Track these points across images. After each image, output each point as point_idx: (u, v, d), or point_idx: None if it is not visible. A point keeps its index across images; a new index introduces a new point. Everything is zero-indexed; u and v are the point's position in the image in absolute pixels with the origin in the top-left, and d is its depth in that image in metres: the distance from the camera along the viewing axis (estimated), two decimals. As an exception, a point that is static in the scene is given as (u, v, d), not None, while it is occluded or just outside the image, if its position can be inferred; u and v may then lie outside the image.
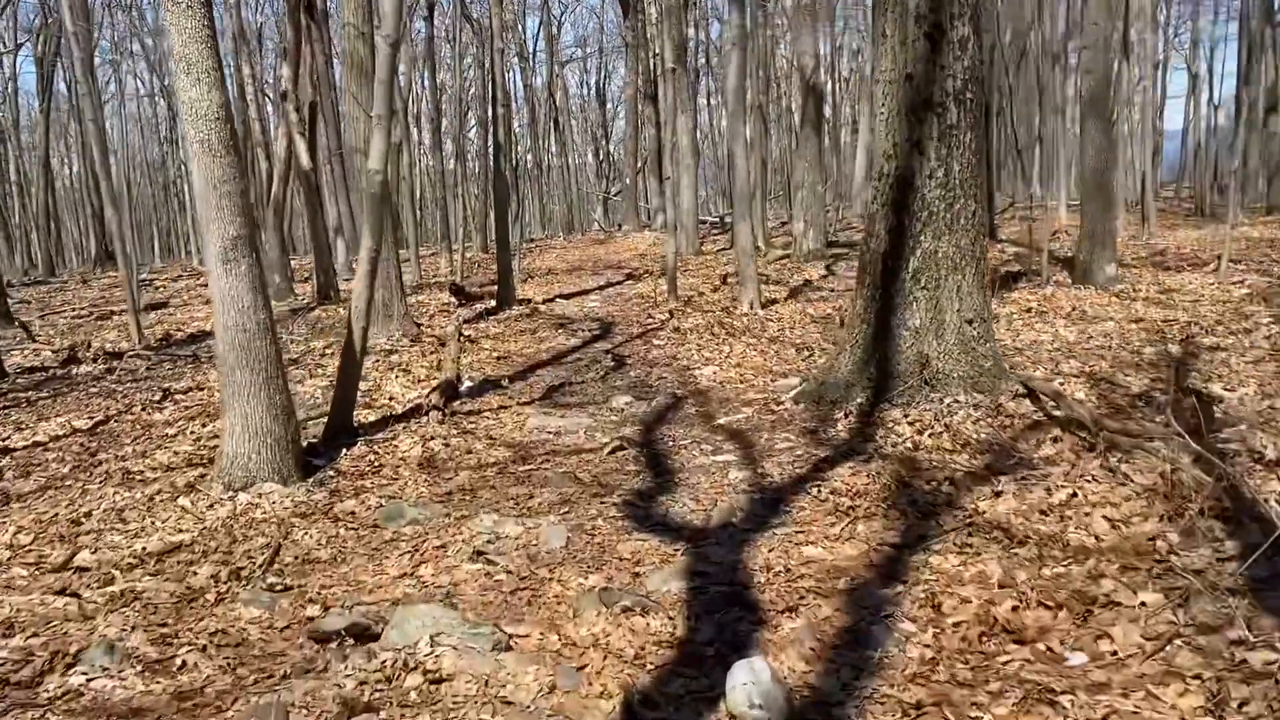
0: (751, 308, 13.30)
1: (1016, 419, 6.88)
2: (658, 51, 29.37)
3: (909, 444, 6.60)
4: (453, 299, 16.42)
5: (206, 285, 7.12)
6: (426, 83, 22.33)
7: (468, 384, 10.40)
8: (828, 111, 41.07)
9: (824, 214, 19.34)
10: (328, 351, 12.71)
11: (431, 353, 12.19)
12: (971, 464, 6.13)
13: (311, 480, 7.05)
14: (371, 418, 8.86)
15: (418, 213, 33.25)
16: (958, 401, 7.15)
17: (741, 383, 9.42)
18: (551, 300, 17.02)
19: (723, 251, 23.55)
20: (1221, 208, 25.91)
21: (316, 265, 17.82)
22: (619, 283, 19.31)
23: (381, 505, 6.45)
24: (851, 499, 5.78)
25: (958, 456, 6.28)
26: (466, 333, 13.62)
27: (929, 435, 6.65)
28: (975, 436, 6.59)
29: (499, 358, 11.83)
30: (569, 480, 6.80)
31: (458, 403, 9.37)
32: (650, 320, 13.91)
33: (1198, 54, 30.37)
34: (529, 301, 16.42)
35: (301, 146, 17.34)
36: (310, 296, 18.31)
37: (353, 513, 6.39)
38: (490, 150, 16.47)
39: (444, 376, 10.18)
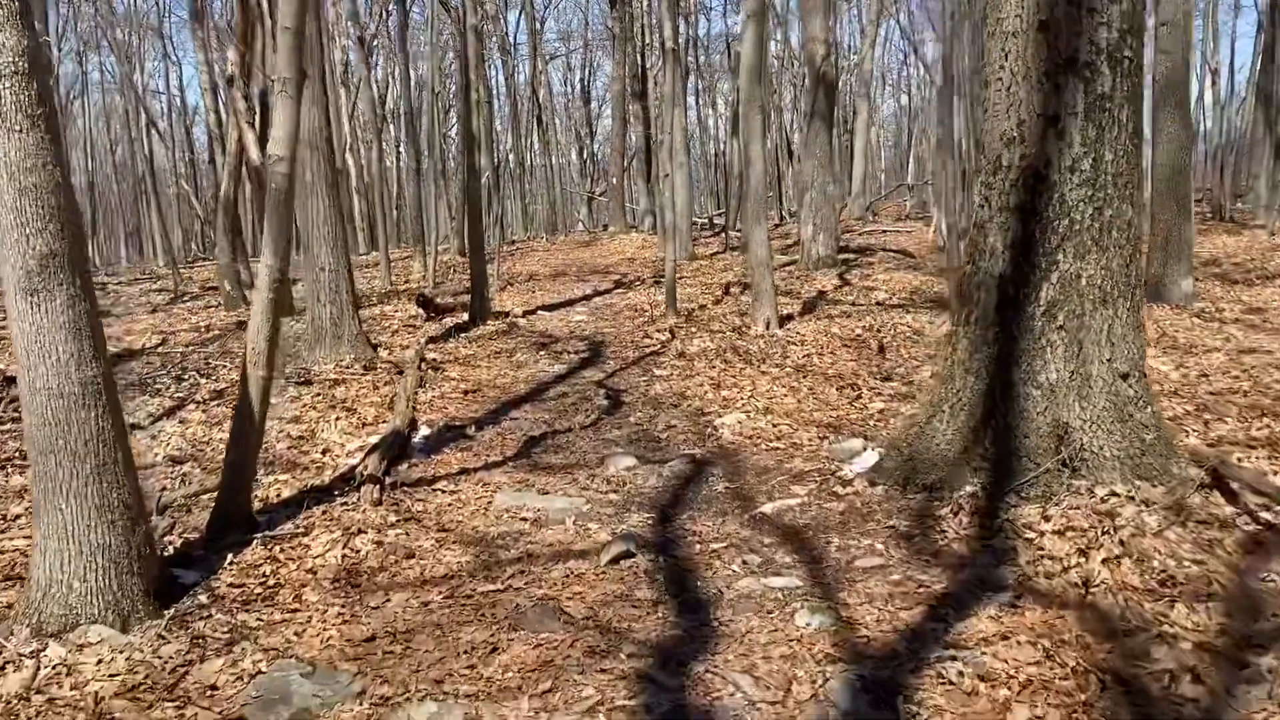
0: (768, 328, 10.88)
1: (1215, 527, 4.48)
2: (647, 41, 26.94)
3: (1074, 575, 4.16)
4: (420, 312, 13.95)
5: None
6: (399, 72, 19.88)
7: (424, 431, 7.93)
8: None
9: (836, 217, 16.96)
10: (275, 382, 10.18)
11: (386, 383, 9.71)
12: (1197, 625, 3.71)
13: (171, 615, 4.55)
14: (286, 491, 6.37)
15: (394, 212, 30.69)
16: (1116, 494, 4.74)
17: (778, 439, 6.99)
18: (533, 312, 14.54)
19: (717, 256, 21.14)
20: (1241, 212, 23.69)
21: (268, 271, 15.31)
22: (607, 291, 16.85)
23: (260, 674, 3.99)
24: (1018, 693, 3.36)
25: (1165, 607, 3.85)
26: (431, 355, 11.14)
27: (1100, 558, 4.22)
28: (1173, 563, 4.17)
29: (467, 391, 9.35)
30: (551, 617, 4.34)
31: (406, 465, 6.90)
32: (648, 341, 11.45)
33: (1215, 48, 28.11)
34: (507, 314, 13.94)
35: (250, 139, 14.79)
36: (262, 306, 15.81)
37: (213, 687, 3.92)
38: (462, 143, 13.96)
39: (393, 423, 7.71)
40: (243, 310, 16.42)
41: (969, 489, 5.06)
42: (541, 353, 11.36)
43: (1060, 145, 4.97)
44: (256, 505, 6.01)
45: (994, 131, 5.22)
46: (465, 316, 13.57)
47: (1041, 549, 4.43)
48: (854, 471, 5.81)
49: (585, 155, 39.72)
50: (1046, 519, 4.65)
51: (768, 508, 5.50)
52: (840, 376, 9.03)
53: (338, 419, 8.46)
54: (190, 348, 12.96)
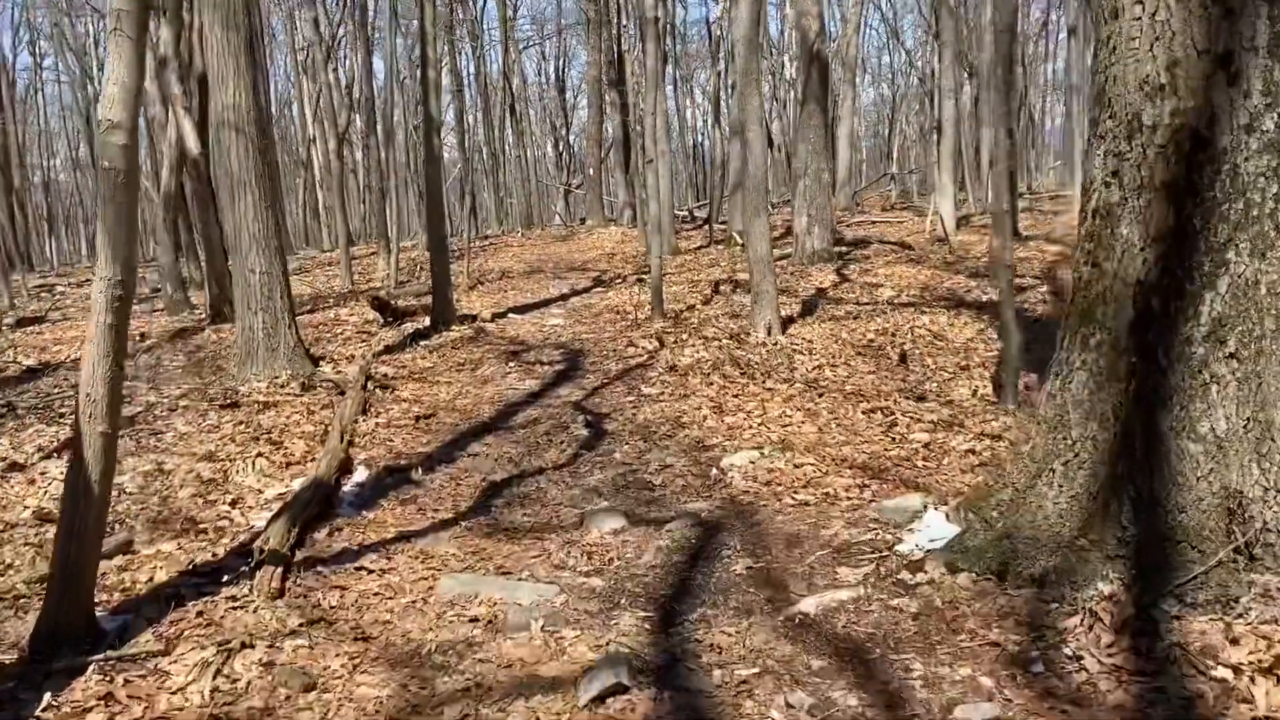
0: (770, 334, 9.29)
1: None
2: (624, 24, 25.30)
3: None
4: (376, 316, 12.28)
5: None
6: (360, 58, 18.16)
7: (360, 475, 6.30)
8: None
9: (830, 207, 15.39)
10: (181, 405, 8.51)
11: (325, 406, 8.06)
12: None
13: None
14: (163, 573, 4.71)
15: (361, 206, 28.88)
16: (1327, 600, 3.19)
17: (805, 487, 5.39)
18: (503, 315, 12.89)
19: (702, 250, 19.54)
20: None
21: (208, 273, 13.52)
22: (586, 290, 15.21)
23: None
24: None
25: None
26: (382, 370, 9.48)
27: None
28: None
29: (419, 417, 7.70)
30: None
31: (328, 529, 5.26)
32: (633, 350, 9.83)
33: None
34: (474, 318, 12.28)
35: (187, 126, 13.04)
36: (204, 311, 14.04)
37: None
38: (422, 127, 12.26)
39: (320, 467, 6.06)
40: (185, 315, 14.71)
41: (1103, 587, 3.48)
42: (511, 364, 9.73)
43: (1231, 95, 3.39)
44: (115, 599, 4.38)
45: (1127, 78, 3.62)
46: (427, 321, 11.91)
47: (1246, 699, 2.87)
48: (920, 547, 4.22)
49: (561, 147, 37.99)
50: (1234, 641, 3.08)
51: (809, 604, 3.90)
52: (862, 395, 7.46)
53: (259, 456, 6.82)
54: (117, 360, 11.22)
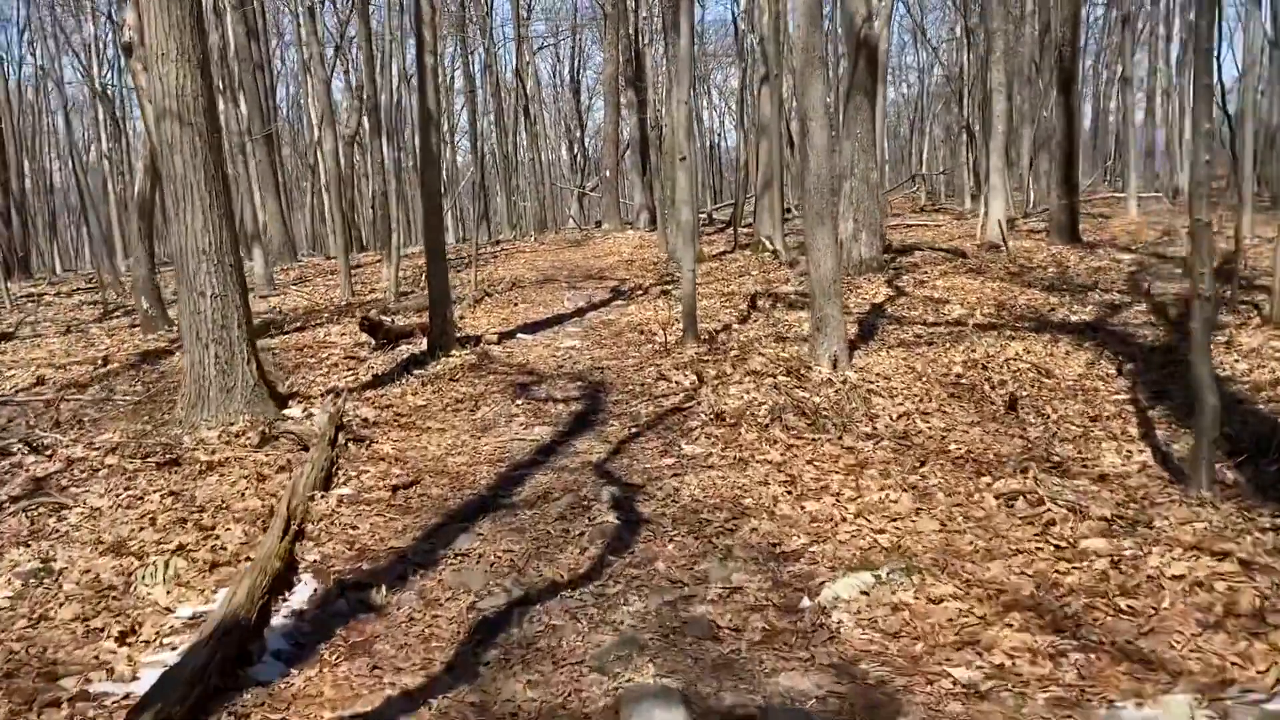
0: (836, 368, 7.32)
1: None
2: (645, 16, 23.35)
3: None
4: (367, 339, 10.37)
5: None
6: (364, 51, 16.23)
7: (302, 593, 4.36)
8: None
9: (880, 211, 13.39)
10: (108, 464, 6.58)
11: (281, 468, 6.14)
12: None
13: None
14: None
15: (369, 212, 26.96)
16: None
17: (961, 648, 3.38)
18: (511, 334, 10.94)
19: (727, 256, 17.53)
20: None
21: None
22: (604, 303, 13.27)
23: None
24: None
25: None
26: (364, 412, 7.54)
27: None
28: None
29: (398, 487, 5.74)
30: None
31: (226, 715, 3.32)
32: (665, 385, 7.86)
33: None
34: (478, 340, 10.34)
35: (153, 117, 11.11)
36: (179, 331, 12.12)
37: None
38: (418, 122, 10.30)
39: (239, 592, 4.11)
40: (163, 333, 12.81)
41: None
42: (518, 403, 7.78)
43: None
44: None
45: None
46: (425, 342, 9.97)
47: None
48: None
49: (575, 150, 36.00)
50: None
51: None
52: (978, 461, 5.48)
53: (181, 551, 4.90)
54: (68, 391, 9.36)
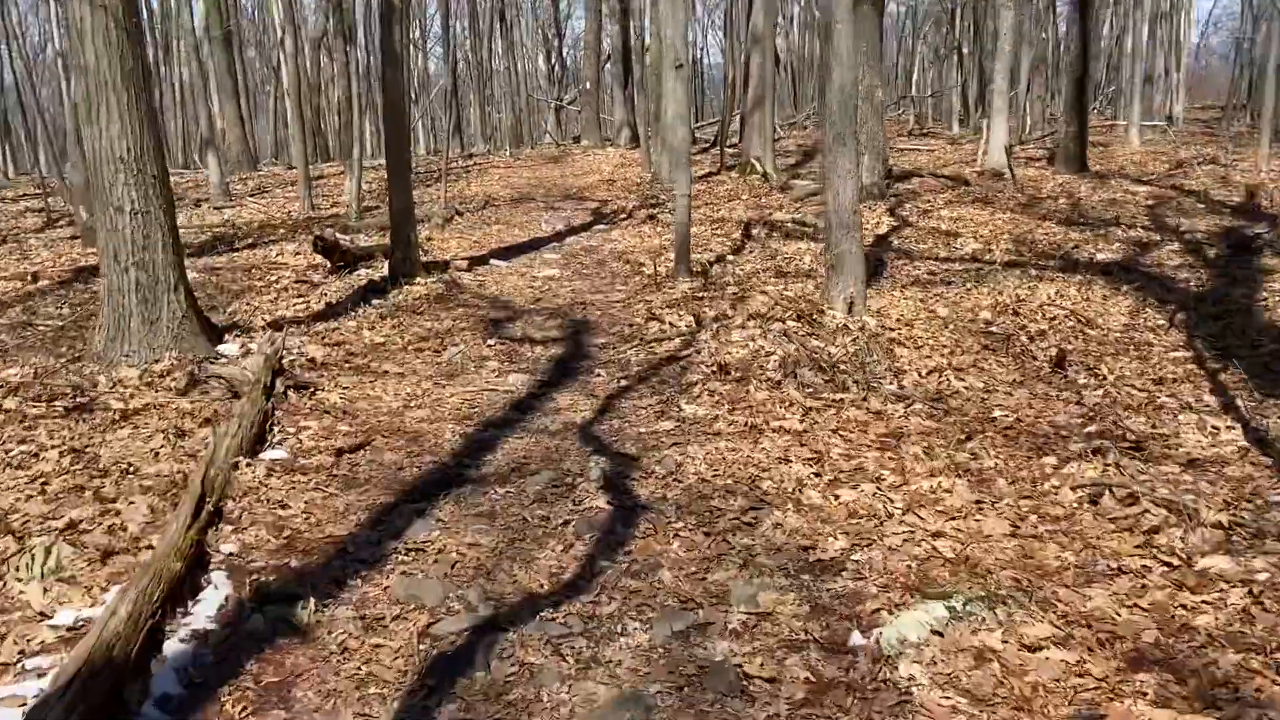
0: (853, 312, 6.33)
1: None
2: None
3: None
4: (322, 262, 9.23)
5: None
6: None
7: (209, 603, 3.35)
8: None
9: (884, 133, 12.25)
10: (5, 406, 5.50)
11: (206, 421, 5.10)
12: None
13: None
14: None
15: (335, 119, 25.35)
16: None
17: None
18: (483, 260, 9.84)
19: (714, 178, 16.35)
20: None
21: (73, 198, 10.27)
22: (586, 226, 12.15)
23: None
24: None
25: None
26: (311, 350, 6.48)
27: None
28: None
29: (343, 451, 4.72)
30: None
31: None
32: (657, 328, 6.83)
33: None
34: (445, 266, 9.22)
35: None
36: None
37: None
38: (379, 16, 8.98)
39: (115, 617, 3.10)
40: (101, 247, 11.52)
41: None
42: (491, 344, 6.74)
43: None
44: None
45: None
46: (386, 267, 8.86)
47: None
48: None
49: (554, 60, 34.21)
50: None
51: None
52: (1034, 435, 4.55)
53: (70, 531, 3.90)
54: (-19, 313, 8.23)
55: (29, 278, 9.75)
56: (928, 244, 9.34)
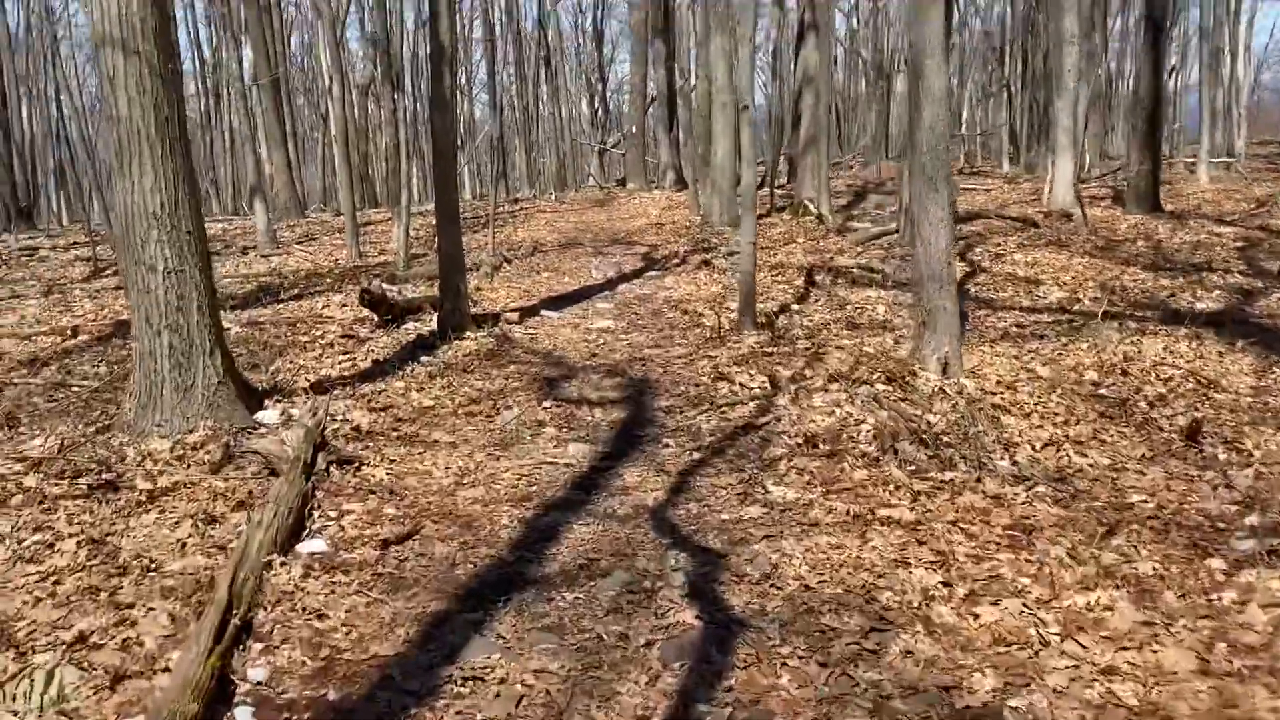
0: (947, 373, 5.67)
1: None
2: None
3: None
4: (369, 315, 8.76)
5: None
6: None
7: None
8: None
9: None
10: (24, 485, 5.00)
11: (240, 504, 4.55)
12: None
13: None
14: None
15: (383, 165, 25.21)
16: None
17: None
18: (534, 311, 9.31)
19: (764, 220, 15.74)
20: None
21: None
22: (637, 273, 11.61)
23: None
24: None
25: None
26: (356, 416, 5.92)
27: None
28: None
29: (391, 541, 4.14)
30: None
31: None
32: (727, 389, 6.20)
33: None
34: (496, 318, 8.70)
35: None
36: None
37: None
38: (429, 60, 8.54)
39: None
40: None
41: None
42: (546, 406, 6.16)
43: None
44: None
45: None
46: (434, 320, 8.35)
47: None
48: None
49: (597, 104, 34.03)
50: None
51: None
52: (1186, 529, 3.86)
53: (80, 641, 3.36)
54: (19, 372, 7.83)
55: (69, 332, 9.37)
56: (1008, 292, 8.66)
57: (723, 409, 5.72)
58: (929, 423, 5.09)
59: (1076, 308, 7.87)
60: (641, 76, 22.72)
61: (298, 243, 16.42)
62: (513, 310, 9.16)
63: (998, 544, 3.74)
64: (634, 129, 23.08)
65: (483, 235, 15.77)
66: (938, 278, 5.60)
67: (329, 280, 12.08)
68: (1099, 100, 23.18)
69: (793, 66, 19.73)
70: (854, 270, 9.95)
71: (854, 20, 33.77)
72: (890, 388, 5.52)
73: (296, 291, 11.28)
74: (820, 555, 3.72)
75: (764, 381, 6.09)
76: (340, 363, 7.55)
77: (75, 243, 20.09)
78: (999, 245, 10.96)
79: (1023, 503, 4.17)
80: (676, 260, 12.24)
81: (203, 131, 32.95)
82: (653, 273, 11.51)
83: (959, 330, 5.80)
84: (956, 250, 10.46)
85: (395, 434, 5.66)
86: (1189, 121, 25.23)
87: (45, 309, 11.38)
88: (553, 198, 23.72)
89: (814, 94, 15.20)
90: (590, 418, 5.95)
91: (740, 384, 6.15)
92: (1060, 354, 6.40)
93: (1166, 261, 9.68)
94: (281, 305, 10.29)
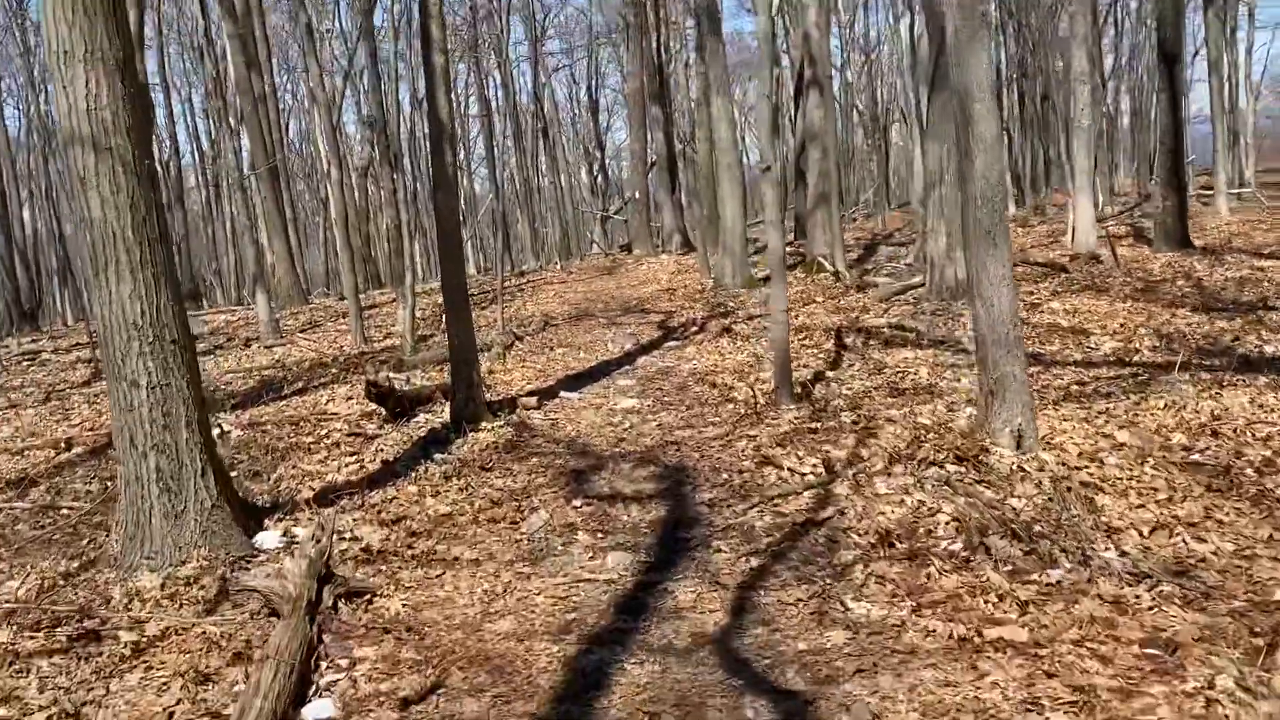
0: (1021, 447, 5.03)
1: None
2: (672, 21, 21.26)
3: None
4: (377, 409, 8.17)
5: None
6: (364, 60, 14.16)
7: None
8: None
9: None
10: (25, 639, 4.38)
11: (235, 657, 3.91)
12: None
13: None
14: None
15: (385, 246, 24.87)
16: None
17: None
18: (552, 394, 8.72)
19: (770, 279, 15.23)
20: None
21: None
22: (655, 344, 11.04)
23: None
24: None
25: None
26: (364, 534, 5.29)
27: None
28: None
29: (414, 698, 3.47)
30: None
31: None
32: (775, 475, 5.57)
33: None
34: (512, 404, 8.10)
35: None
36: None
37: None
38: (428, 136, 8.05)
39: None
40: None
41: None
42: (576, 505, 5.53)
43: None
44: None
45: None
46: (447, 409, 7.75)
47: None
48: None
49: (596, 172, 33.90)
50: None
51: None
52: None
53: None
54: (5, 494, 7.23)
55: (63, 444, 8.79)
56: (1055, 344, 8.05)
57: (775, 501, 5.08)
58: (1015, 509, 4.44)
59: (1136, 359, 7.25)
60: (641, 142, 22.46)
61: (301, 331, 15.94)
62: (529, 394, 8.57)
63: (1140, 670, 3.08)
64: (636, 194, 22.75)
65: (491, 311, 15.27)
66: (1003, 342, 5.00)
67: (334, 370, 11.53)
68: (1101, 137, 22.82)
69: (791, 122, 19.43)
70: (885, 330, 9.37)
71: (847, 73, 33.71)
72: (961, 468, 4.88)
73: (300, 385, 10.72)
74: (929, 697, 3.06)
75: (815, 465, 5.46)
76: (347, 465, 6.94)
77: (77, 344, 19.65)
78: (1032, 293, 10.39)
79: (1150, 608, 3.51)
80: (695, 328, 11.68)
81: (205, 223, 32.84)
82: (671, 342, 10.94)
83: (1031, 398, 5.18)
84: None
85: (410, 551, 5.02)
86: (1192, 153, 24.87)
87: (42, 417, 10.83)
88: (559, 267, 23.32)
89: (820, 150, 14.80)
90: (626, 517, 5.32)
91: (789, 469, 5.52)
92: (1136, 415, 5.77)
93: (1216, 301, 9.09)
94: (284, 402, 9.71)
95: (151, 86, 30.95)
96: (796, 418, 6.69)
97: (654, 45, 22.73)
